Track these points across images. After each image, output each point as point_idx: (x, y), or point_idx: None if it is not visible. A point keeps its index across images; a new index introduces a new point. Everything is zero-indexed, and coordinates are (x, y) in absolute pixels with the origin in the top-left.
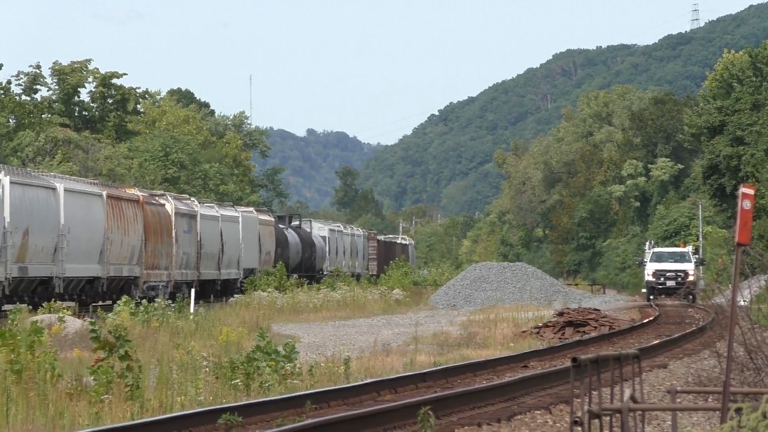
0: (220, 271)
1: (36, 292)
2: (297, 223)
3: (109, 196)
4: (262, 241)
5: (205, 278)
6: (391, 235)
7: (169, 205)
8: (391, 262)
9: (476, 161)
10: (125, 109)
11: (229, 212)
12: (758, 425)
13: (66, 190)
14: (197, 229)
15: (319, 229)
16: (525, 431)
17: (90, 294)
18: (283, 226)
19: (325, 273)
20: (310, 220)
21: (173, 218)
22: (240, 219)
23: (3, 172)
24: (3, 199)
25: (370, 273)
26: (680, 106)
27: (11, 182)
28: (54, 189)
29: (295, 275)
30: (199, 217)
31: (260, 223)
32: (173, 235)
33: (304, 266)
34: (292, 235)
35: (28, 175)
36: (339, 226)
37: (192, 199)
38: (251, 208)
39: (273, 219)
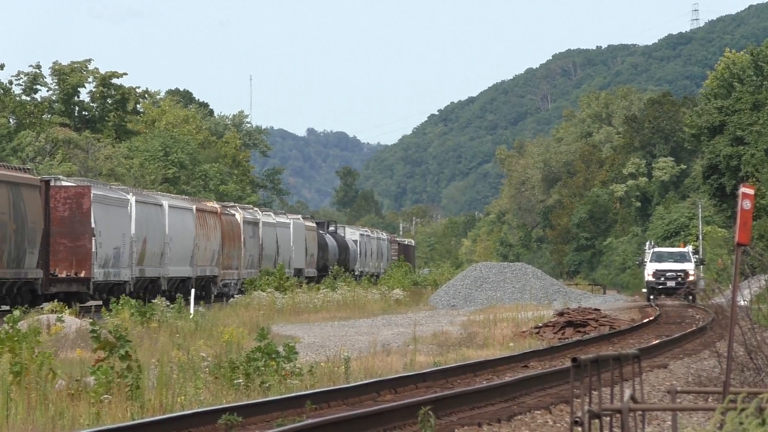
0: None
1: (147, 289)
2: (333, 228)
3: (197, 210)
4: (307, 245)
5: None
6: (400, 238)
7: (239, 215)
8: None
9: (476, 161)
10: (125, 109)
11: (282, 219)
12: (749, 422)
13: (169, 206)
14: (259, 234)
15: (351, 234)
16: (525, 431)
17: (182, 291)
18: (322, 232)
19: (357, 273)
20: (344, 226)
21: (242, 226)
22: (291, 225)
23: (130, 193)
24: (130, 215)
25: None
26: (677, 107)
27: (136, 201)
28: (161, 205)
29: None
30: (261, 224)
31: (306, 229)
32: (242, 240)
33: (340, 267)
34: (330, 240)
35: (143, 194)
36: (367, 231)
37: (255, 208)
38: (299, 216)
39: (315, 225)
